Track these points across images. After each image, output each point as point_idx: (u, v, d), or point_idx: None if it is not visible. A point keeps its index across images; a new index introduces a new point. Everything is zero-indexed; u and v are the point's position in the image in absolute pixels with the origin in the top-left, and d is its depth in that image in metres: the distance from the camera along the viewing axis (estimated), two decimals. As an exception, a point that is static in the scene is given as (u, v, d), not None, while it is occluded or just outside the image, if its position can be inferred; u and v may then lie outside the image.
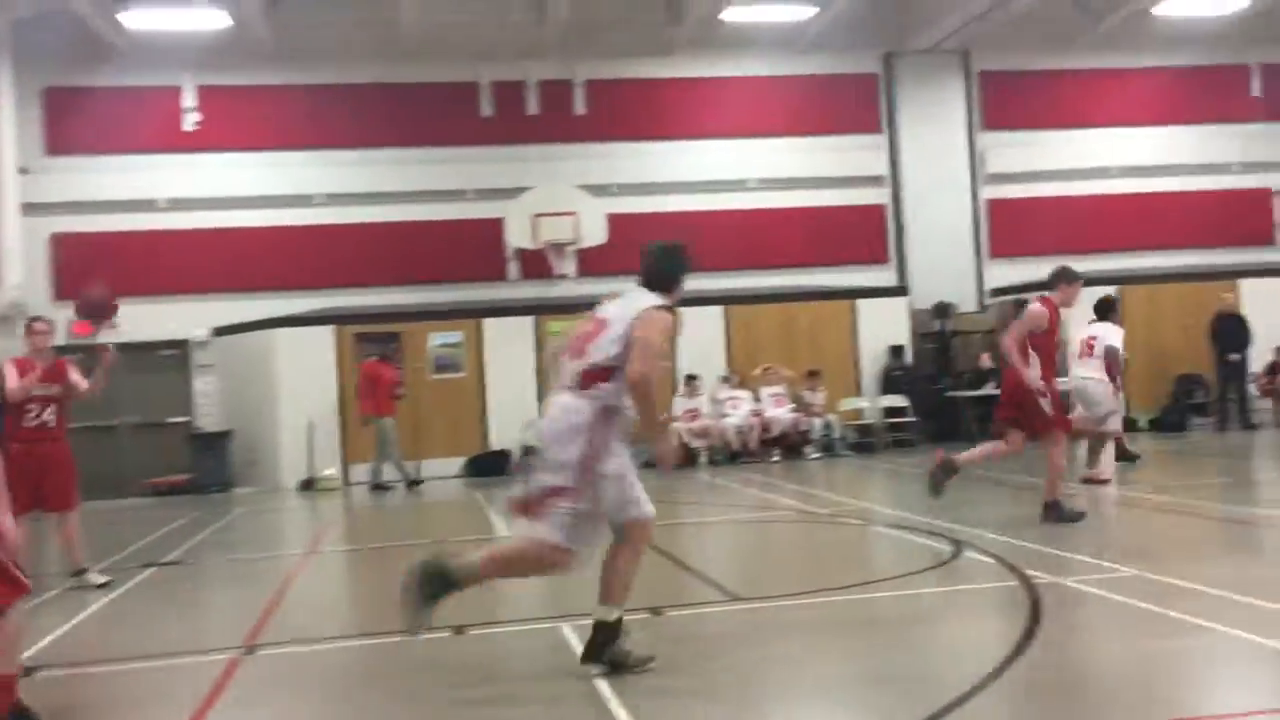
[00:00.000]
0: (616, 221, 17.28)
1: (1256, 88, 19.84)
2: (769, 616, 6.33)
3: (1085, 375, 11.10)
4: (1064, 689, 4.73)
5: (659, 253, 5.33)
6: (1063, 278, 9.06)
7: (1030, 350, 8.75)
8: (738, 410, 16.45)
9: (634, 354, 4.93)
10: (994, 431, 9.35)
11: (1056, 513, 8.75)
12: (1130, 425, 17.23)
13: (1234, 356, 16.57)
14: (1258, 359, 17.08)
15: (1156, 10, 17.94)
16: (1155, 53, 19.39)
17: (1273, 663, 4.88)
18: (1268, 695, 4.51)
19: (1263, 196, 19.80)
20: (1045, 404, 8.69)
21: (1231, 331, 16.60)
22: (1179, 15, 18.18)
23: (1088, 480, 10.84)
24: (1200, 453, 14.64)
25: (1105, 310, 11.65)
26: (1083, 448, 11.29)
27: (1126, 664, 5.03)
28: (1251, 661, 4.94)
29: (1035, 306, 8.89)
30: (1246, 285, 17.62)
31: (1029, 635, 5.40)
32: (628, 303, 5.15)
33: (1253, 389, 17.14)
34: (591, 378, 5.00)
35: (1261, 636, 5.10)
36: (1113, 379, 10.98)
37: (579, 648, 5.35)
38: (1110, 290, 12.57)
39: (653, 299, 5.13)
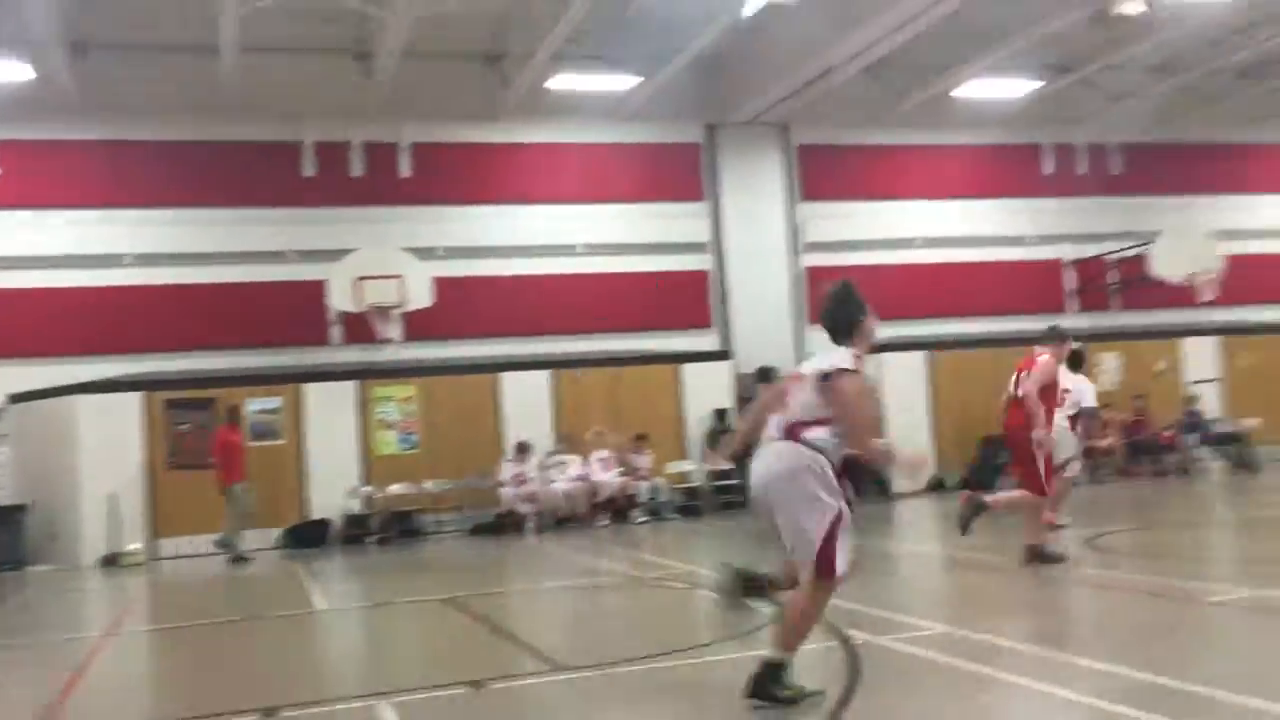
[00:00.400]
0: (444, 285, 17.14)
1: (1048, 165, 21.24)
2: (595, 685, 6.27)
3: (1058, 423, 11.26)
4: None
5: (832, 300, 5.51)
6: (1056, 336, 9.55)
7: (1047, 401, 9.16)
8: (565, 475, 16.41)
9: (846, 429, 5.28)
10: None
11: (1039, 556, 9.20)
12: (939, 485, 18.04)
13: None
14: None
15: (955, 92, 19.06)
16: (956, 131, 20.57)
17: (1079, 716, 5.10)
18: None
19: (1055, 267, 21.12)
20: (1040, 455, 9.10)
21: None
22: (976, 97, 19.36)
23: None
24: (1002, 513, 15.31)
25: (1077, 364, 11.89)
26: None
27: (938, 721, 5.18)
28: (1061, 716, 5.15)
29: (1047, 359, 9.23)
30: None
31: (848, 695, 5.50)
32: (819, 361, 5.39)
33: (1052, 448, 18.08)
34: (798, 428, 5.28)
35: (1063, 690, 5.34)
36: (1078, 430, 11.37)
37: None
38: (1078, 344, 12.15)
39: (841, 356, 5.31)
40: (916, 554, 12.00)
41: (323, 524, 15.92)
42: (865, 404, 5.35)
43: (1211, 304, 19.65)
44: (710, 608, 9.07)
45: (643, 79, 17.53)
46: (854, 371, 5.30)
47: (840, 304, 5.51)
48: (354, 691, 6.32)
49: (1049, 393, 9.29)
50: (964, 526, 9.15)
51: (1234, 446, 18.81)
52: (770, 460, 5.35)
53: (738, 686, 6.09)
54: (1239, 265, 20.08)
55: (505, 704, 5.96)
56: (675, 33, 16.47)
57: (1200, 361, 19.79)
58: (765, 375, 18.54)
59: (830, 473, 5.29)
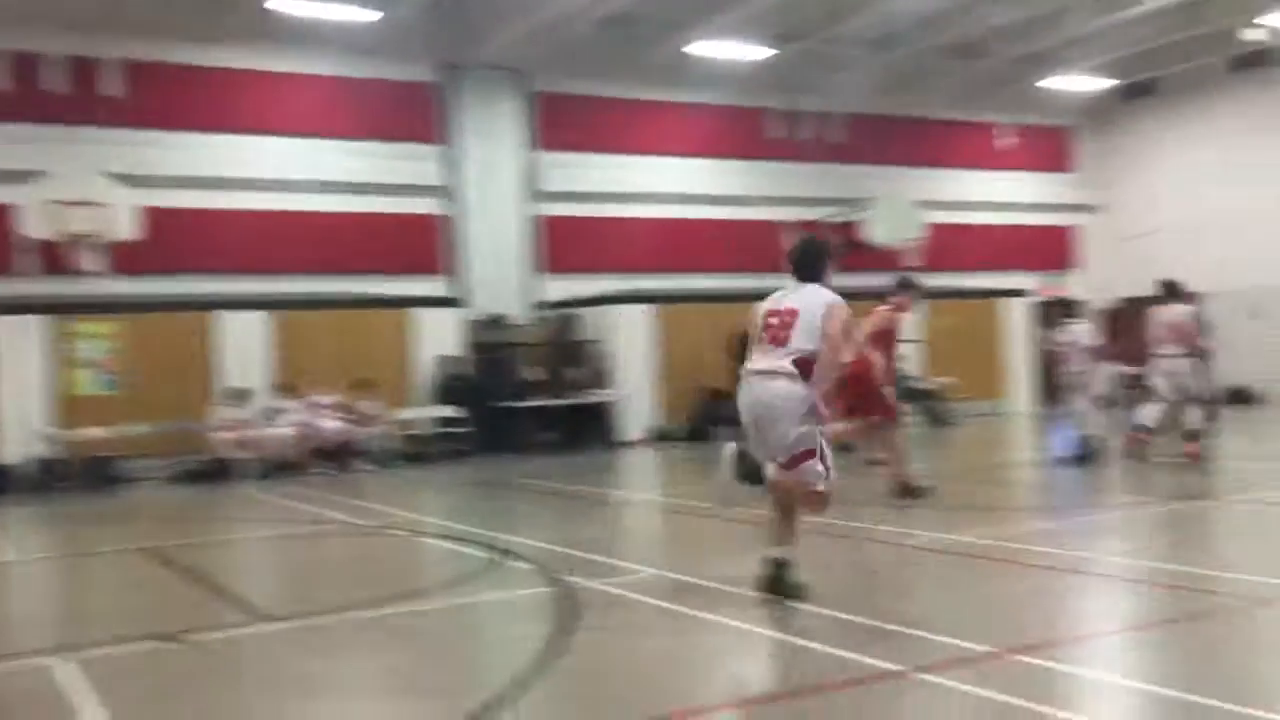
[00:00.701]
0: (157, 216, 16.01)
1: (774, 130, 22.06)
2: (303, 635, 6.06)
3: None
4: (590, 688, 4.91)
5: (806, 244, 6.52)
6: (904, 287, 10.46)
7: (883, 347, 9.84)
8: (286, 421, 15.76)
9: (833, 346, 6.07)
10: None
11: (907, 491, 9.85)
12: (661, 435, 18.56)
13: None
14: (773, 374, 18.94)
15: (691, 50, 19.43)
16: (691, 90, 21.00)
17: (773, 649, 5.35)
18: (773, 681, 4.93)
19: (777, 228, 22.01)
20: (887, 393, 9.83)
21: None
22: (711, 57, 19.81)
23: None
24: (719, 459, 15.92)
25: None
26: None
27: (646, 659, 5.32)
28: (754, 650, 5.39)
29: (885, 309, 10.19)
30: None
31: (560, 638, 5.56)
32: (809, 297, 6.20)
33: (768, 401, 18.98)
34: (803, 364, 6.02)
35: (763, 629, 5.60)
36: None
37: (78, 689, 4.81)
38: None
39: (830, 292, 6.23)
40: (635, 501, 12.29)
41: (3, 470, 14.63)
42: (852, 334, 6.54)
43: (917, 269, 21.05)
44: (430, 555, 8.98)
45: (380, 13, 16.88)
46: (843, 304, 6.21)
47: (813, 248, 6.53)
48: (33, 647, 5.83)
49: (884, 339, 10.12)
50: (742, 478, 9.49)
51: (931, 403, 20.31)
52: (774, 391, 6.06)
53: (452, 633, 6.05)
54: (941, 234, 21.62)
55: (200, 657, 5.66)
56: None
57: (907, 322, 21.13)
58: (496, 323, 18.45)
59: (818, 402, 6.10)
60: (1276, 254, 21.65)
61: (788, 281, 6.42)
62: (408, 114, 18.92)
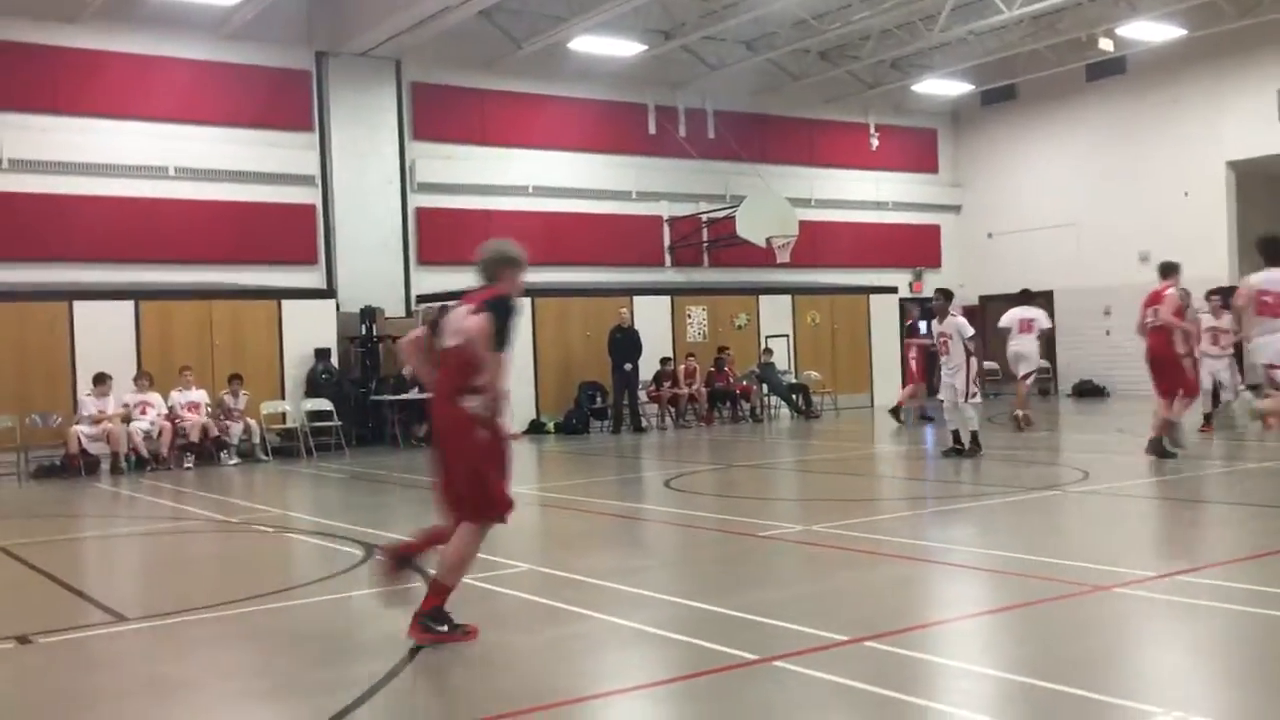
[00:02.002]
0: (14, 201, 15.39)
1: (652, 125, 22.26)
2: (163, 635, 5.95)
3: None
4: (461, 681, 4.96)
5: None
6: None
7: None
8: (149, 414, 15.31)
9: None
10: None
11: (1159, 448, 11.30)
12: (538, 428, 18.60)
13: (628, 366, 18.45)
14: (647, 368, 19.17)
15: (571, 45, 19.48)
16: (571, 84, 21.06)
17: (639, 641, 5.47)
18: (638, 673, 5.04)
19: (656, 223, 22.27)
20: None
21: (626, 343, 18.48)
22: (590, 52, 19.89)
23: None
24: (597, 453, 16.10)
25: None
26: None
27: (515, 653, 5.39)
28: (623, 643, 5.51)
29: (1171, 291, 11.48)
30: (639, 301, 19.72)
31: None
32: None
33: (643, 395, 19.21)
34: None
35: (628, 620, 5.72)
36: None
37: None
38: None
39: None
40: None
41: None
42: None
43: (787, 265, 21.52)
44: (298, 551, 8.88)
45: (246, -3, 16.51)
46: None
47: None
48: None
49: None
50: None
51: (799, 395, 20.80)
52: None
53: (318, 631, 6.02)
54: (811, 231, 22.12)
55: (52, 659, 5.52)
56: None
57: (775, 317, 21.65)
58: (369, 315, 18.22)
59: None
60: (1128, 254, 22.73)
61: None
62: (280, 101, 18.53)
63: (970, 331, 12.58)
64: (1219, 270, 21.23)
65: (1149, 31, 20.43)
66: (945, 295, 12.96)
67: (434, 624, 5.36)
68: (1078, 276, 23.65)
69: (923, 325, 13.44)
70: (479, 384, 5.40)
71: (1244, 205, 21.84)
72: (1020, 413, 15.45)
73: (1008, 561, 6.95)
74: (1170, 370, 11.85)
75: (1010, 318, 16.06)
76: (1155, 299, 11.90)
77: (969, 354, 12.45)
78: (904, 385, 12.80)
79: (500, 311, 5.43)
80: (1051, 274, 23.97)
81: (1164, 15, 19.66)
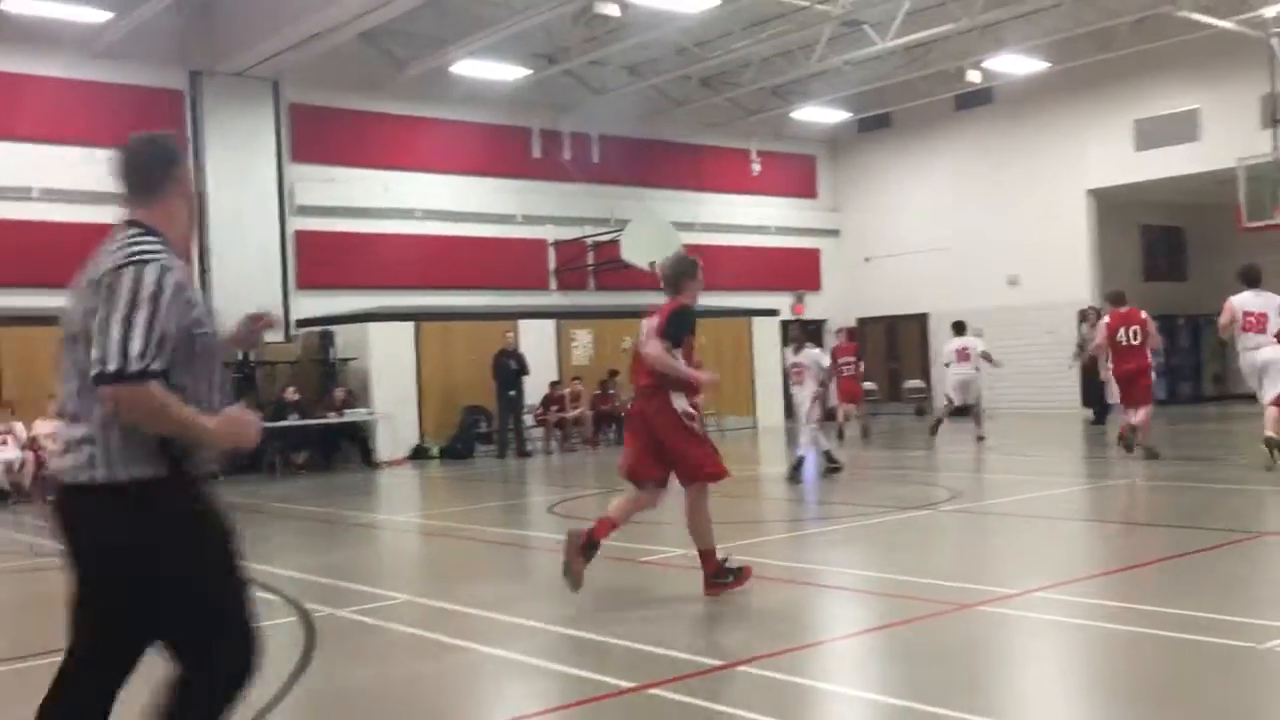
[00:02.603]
0: None
1: (536, 149, 22.31)
2: (18, 680, 5.72)
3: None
4: (337, 717, 4.90)
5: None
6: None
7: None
8: (10, 445, 14.70)
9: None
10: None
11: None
12: (421, 454, 18.42)
13: (512, 392, 18.40)
14: (533, 392, 19.15)
15: (454, 69, 19.42)
16: (455, 108, 20.98)
17: (517, 672, 5.47)
18: (513, 704, 5.04)
19: (541, 247, 22.28)
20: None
21: (511, 367, 18.44)
22: (473, 76, 19.85)
23: None
24: (481, 479, 16.00)
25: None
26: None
27: (390, 687, 5.34)
28: (500, 674, 5.51)
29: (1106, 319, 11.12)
30: (525, 325, 19.70)
31: (301, 668, 5.50)
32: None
33: (529, 419, 19.18)
34: None
35: (507, 651, 5.71)
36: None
37: None
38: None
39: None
40: (391, 524, 12.18)
41: None
42: None
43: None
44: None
45: (115, 14, 16.06)
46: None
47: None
48: None
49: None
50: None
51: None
52: None
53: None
54: (694, 254, 22.30)
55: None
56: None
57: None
58: (247, 341, 17.78)
59: None
60: (998, 278, 23.56)
61: None
62: (152, 122, 17.75)
63: (826, 363, 13.33)
64: (1082, 292, 22.18)
65: (1014, 64, 21.27)
66: (802, 327, 13.56)
67: (721, 579, 6.66)
68: (951, 299, 24.37)
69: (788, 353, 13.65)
70: (673, 379, 6.69)
71: (1104, 231, 22.85)
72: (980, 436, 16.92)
73: (880, 582, 7.14)
74: (1143, 384, 12.96)
75: (948, 351, 17.56)
76: (1129, 319, 12.91)
77: (821, 385, 13.10)
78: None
79: (683, 320, 6.92)
80: (927, 297, 24.72)
81: (1028, 49, 20.50)
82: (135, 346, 2.97)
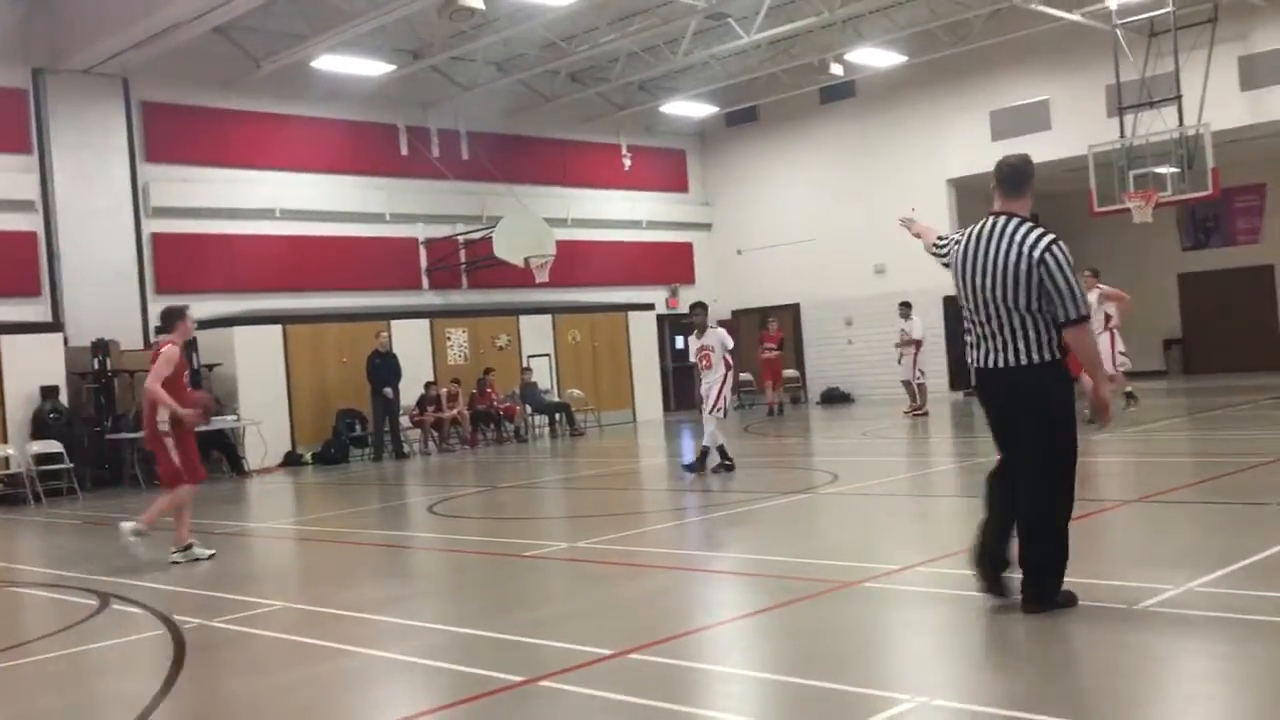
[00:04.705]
0: None
1: (404, 146, 21.91)
2: None
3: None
4: (204, 735, 4.68)
5: None
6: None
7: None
8: None
9: None
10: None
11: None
12: (294, 460, 17.93)
13: (388, 391, 18.03)
14: (409, 393, 18.80)
15: (315, 64, 18.91)
16: (317, 104, 20.44)
17: (403, 672, 5.32)
18: (403, 704, 4.89)
19: (412, 245, 21.89)
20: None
21: (385, 368, 18.07)
22: (335, 71, 19.36)
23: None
24: (358, 483, 15.63)
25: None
26: None
27: (270, 694, 5.13)
28: (385, 675, 5.34)
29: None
30: (398, 325, 19.32)
31: (170, 682, 5.25)
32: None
33: (405, 421, 18.82)
34: None
35: (391, 652, 5.55)
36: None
37: None
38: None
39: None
40: (262, 531, 11.79)
41: None
42: None
43: (546, 285, 21.61)
44: (24, 605, 8.17)
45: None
46: None
47: None
48: None
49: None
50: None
51: (561, 414, 20.91)
52: None
53: (51, 688, 5.56)
54: (568, 251, 22.30)
55: None
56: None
57: (536, 337, 21.70)
58: (101, 348, 17.06)
59: None
60: (866, 267, 24.07)
61: None
62: (-8, 120, 17.12)
63: (731, 344, 12.70)
64: (946, 278, 22.73)
65: (874, 58, 21.72)
66: (702, 308, 12.79)
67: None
68: (820, 289, 24.85)
69: (679, 340, 13.42)
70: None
71: (965, 219, 23.53)
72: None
73: (764, 564, 7.18)
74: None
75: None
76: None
77: (728, 367, 12.57)
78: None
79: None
80: (797, 287, 25.12)
81: (886, 42, 20.97)
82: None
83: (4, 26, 16.72)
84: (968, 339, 5.58)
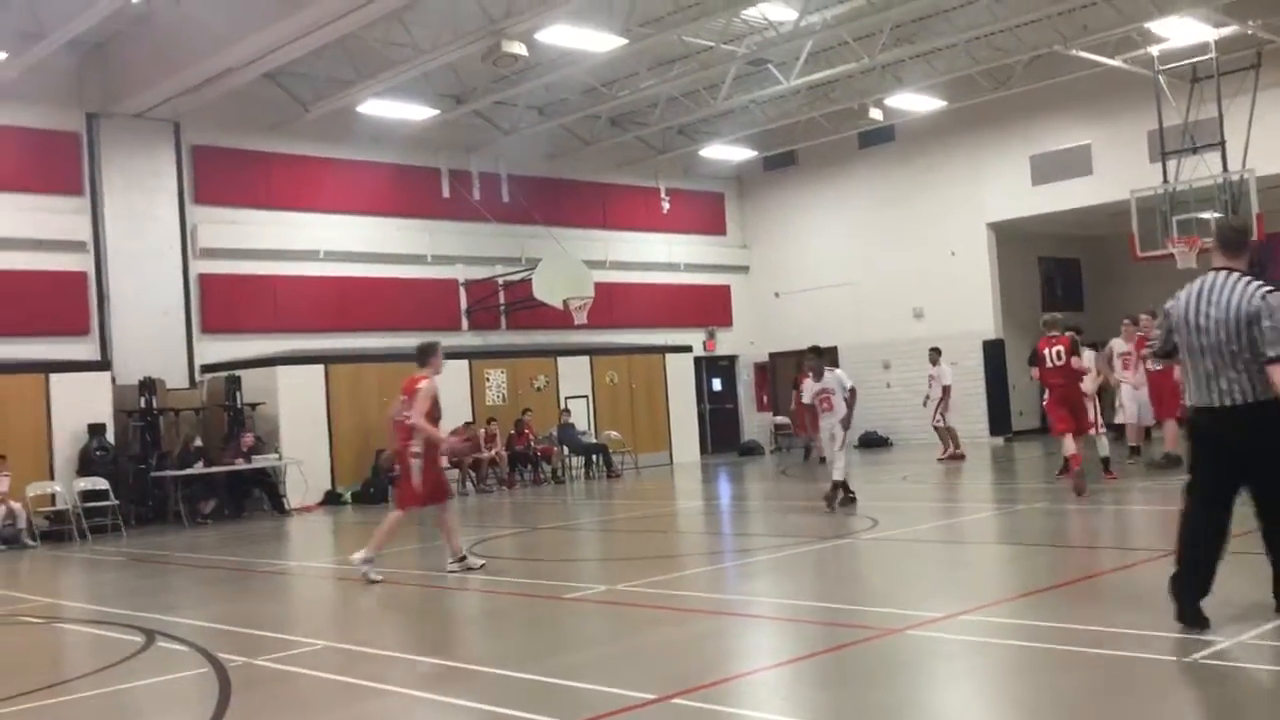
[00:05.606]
0: None
1: (445, 189, 22.18)
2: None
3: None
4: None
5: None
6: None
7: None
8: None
9: None
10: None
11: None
12: (334, 499, 18.04)
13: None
14: (447, 433, 18.86)
15: (361, 109, 19.24)
16: (362, 148, 20.77)
17: (445, 714, 5.33)
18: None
19: (452, 286, 22.10)
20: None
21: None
22: (380, 115, 19.69)
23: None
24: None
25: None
26: None
27: (312, 737, 5.16)
28: (428, 718, 5.36)
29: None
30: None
31: (219, 718, 5.29)
32: None
33: (444, 462, 18.83)
34: None
35: (432, 693, 5.57)
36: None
37: None
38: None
39: None
40: (304, 570, 11.87)
41: None
42: None
43: (584, 326, 21.73)
44: (70, 642, 8.26)
45: (7, 54, 15.60)
46: None
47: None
48: None
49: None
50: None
51: (599, 456, 20.92)
52: None
53: (95, 727, 5.61)
54: (606, 293, 22.44)
55: None
56: (48, 9, 14.87)
57: (574, 378, 21.78)
58: (148, 386, 17.31)
59: None
60: (904, 311, 23.99)
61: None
62: (49, 165, 17.54)
63: (849, 383, 12.73)
64: (986, 323, 22.71)
65: (913, 103, 21.80)
66: (816, 353, 12.77)
67: None
68: (859, 333, 24.77)
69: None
70: None
71: (1004, 263, 23.46)
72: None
73: (807, 610, 7.14)
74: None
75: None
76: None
77: (849, 408, 12.54)
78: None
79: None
80: (835, 331, 25.07)
81: (926, 88, 21.04)
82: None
83: (60, 73, 17.15)
84: (1187, 383, 5.94)
